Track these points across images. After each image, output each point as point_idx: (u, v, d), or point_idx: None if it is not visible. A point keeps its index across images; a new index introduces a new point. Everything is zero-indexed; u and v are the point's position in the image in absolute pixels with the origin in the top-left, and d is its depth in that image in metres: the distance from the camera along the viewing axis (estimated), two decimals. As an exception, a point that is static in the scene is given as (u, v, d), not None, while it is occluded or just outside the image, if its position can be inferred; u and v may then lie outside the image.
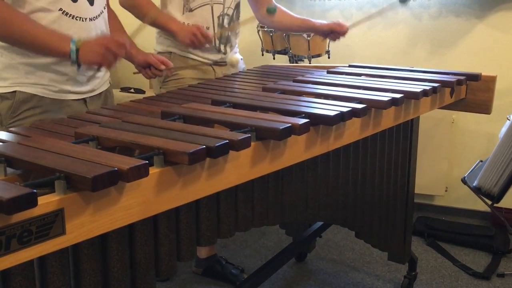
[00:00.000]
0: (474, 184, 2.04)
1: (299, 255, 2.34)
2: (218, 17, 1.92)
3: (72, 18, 1.40)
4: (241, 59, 2.10)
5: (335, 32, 2.07)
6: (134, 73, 1.84)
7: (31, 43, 1.30)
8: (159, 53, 1.96)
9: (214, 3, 1.89)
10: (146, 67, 1.77)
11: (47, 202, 0.73)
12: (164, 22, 1.86)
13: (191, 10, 1.87)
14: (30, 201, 0.69)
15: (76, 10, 1.41)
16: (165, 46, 1.95)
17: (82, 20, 1.42)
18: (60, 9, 1.38)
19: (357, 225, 1.72)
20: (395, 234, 1.94)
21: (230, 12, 1.95)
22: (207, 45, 1.85)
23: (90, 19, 1.45)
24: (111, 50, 1.29)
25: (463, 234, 2.51)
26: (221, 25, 1.92)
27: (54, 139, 0.99)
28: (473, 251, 2.43)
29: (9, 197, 0.67)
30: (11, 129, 1.15)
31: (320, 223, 2.17)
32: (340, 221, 1.64)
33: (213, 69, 1.96)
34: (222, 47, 1.96)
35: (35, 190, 0.70)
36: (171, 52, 1.94)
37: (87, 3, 1.44)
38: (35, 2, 1.35)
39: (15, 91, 1.40)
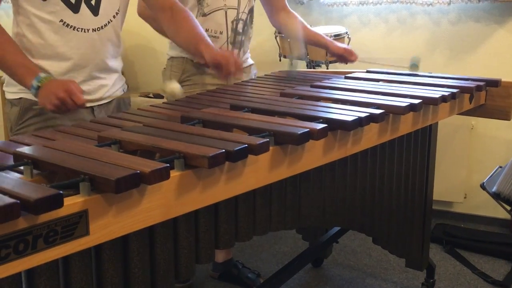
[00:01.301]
0: (493, 190, 2.02)
1: (316, 260, 2.33)
2: (232, 22, 1.93)
3: (74, 29, 1.40)
4: (253, 64, 2.10)
5: (344, 58, 2.06)
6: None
7: (4, 67, 1.33)
8: (172, 57, 1.98)
9: (228, 8, 1.90)
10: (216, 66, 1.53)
11: (72, 203, 0.75)
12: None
13: (204, 15, 1.88)
14: (56, 202, 0.71)
15: (77, 21, 1.40)
16: (178, 51, 1.97)
17: (85, 31, 1.42)
18: (61, 20, 1.38)
19: (375, 231, 1.71)
20: (413, 240, 1.92)
21: (244, 16, 1.96)
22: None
23: (94, 30, 1.44)
24: (66, 105, 1.27)
25: (482, 241, 2.47)
26: (235, 30, 1.94)
27: (78, 142, 1.01)
28: (493, 259, 2.39)
29: (37, 197, 0.69)
30: (35, 133, 1.18)
31: (337, 229, 2.17)
32: (357, 227, 1.64)
33: None
34: (235, 52, 1.97)
35: (61, 192, 0.72)
36: (184, 57, 1.95)
37: (91, 14, 1.42)
38: (37, 13, 1.36)
39: (21, 98, 1.42)
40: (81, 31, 1.41)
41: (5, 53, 1.30)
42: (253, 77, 2.09)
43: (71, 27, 1.40)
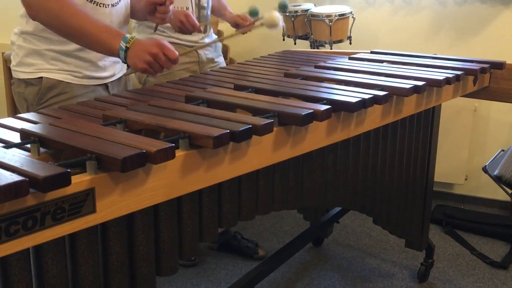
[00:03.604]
0: (495, 173, 2.03)
1: (316, 239, 2.36)
2: None
3: (96, 4, 1.42)
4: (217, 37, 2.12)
5: (240, 26, 2.06)
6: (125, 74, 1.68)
7: (81, 37, 1.28)
8: None
9: None
10: (152, 12, 1.59)
11: (79, 182, 0.77)
12: None
13: None
14: (64, 180, 0.72)
15: None
16: (147, 34, 1.99)
17: (105, 6, 1.44)
18: None
19: (375, 212, 1.73)
20: (413, 221, 1.94)
21: None
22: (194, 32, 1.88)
23: (112, 5, 1.47)
24: (159, 61, 1.24)
25: (482, 223, 2.50)
26: (198, 5, 1.97)
27: (84, 121, 1.02)
28: (492, 240, 2.42)
29: (45, 175, 0.70)
30: (42, 110, 1.19)
31: (338, 209, 2.19)
32: (358, 207, 1.65)
33: (196, 51, 2.01)
34: (202, 27, 2.01)
35: (68, 170, 0.73)
36: None
37: None
38: None
39: (41, 77, 1.42)
40: (103, 6, 1.43)
41: (83, 22, 1.26)
42: (220, 54, 2.16)
43: (94, 2, 1.42)
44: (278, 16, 1.38)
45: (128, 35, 1.26)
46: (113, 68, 1.54)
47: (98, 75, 1.49)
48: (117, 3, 1.49)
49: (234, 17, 2.09)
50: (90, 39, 1.27)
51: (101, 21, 1.30)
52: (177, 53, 1.27)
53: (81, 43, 1.32)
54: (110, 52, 1.27)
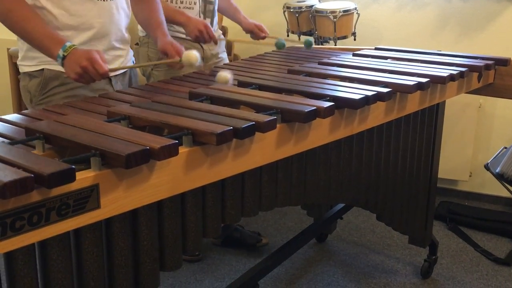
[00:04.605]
0: (497, 171, 2.02)
1: (320, 236, 2.37)
2: None
3: None
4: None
5: (254, 34, 2.10)
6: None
7: (27, 41, 1.35)
8: (147, 34, 1.99)
9: None
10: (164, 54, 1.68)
11: (83, 178, 0.78)
12: (171, 15, 1.87)
13: None
14: (69, 176, 0.73)
15: None
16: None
17: (103, 0, 1.45)
18: None
19: (379, 208, 1.74)
20: (416, 217, 1.95)
21: None
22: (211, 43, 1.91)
23: None
24: (89, 73, 1.26)
25: (486, 219, 2.49)
26: (205, 0, 1.98)
27: (88, 117, 1.03)
28: (496, 237, 2.41)
29: (50, 172, 0.71)
30: (46, 107, 1.20)
31: (341, 205, 2.19)
32: (361, 204, 1.66)
33: (201, 46, 2.01)
34: (207, 21, 2.00)
35: (73, 166, 0.74)
36: None
37: None
38: None
39: (43, 69, 1.44)
40: (100, 0, 1.44)
41: (30, 25, 1.31)
42: (223, 50, 2.15)
43: None
44: (196, 56, 1.42)
45: (68, 43, 1.28)
46: (116, 63, 1.55)
47: None
48: None
49: (250, 25, 2.09)
50: (34, 43, 1.33)
51: (47, 27, 1.34)
52: (106, 67, 1.28)
53: (28, 43, 1.38)
54: (51, 57, 1.32)
